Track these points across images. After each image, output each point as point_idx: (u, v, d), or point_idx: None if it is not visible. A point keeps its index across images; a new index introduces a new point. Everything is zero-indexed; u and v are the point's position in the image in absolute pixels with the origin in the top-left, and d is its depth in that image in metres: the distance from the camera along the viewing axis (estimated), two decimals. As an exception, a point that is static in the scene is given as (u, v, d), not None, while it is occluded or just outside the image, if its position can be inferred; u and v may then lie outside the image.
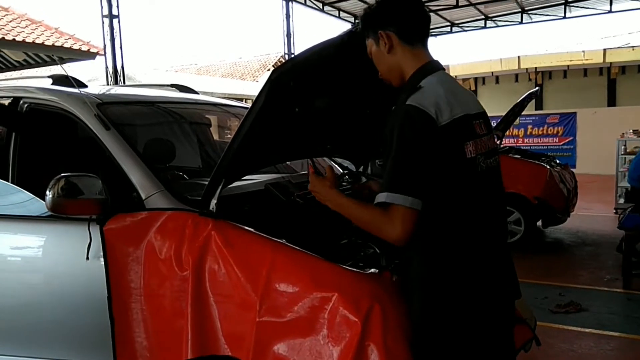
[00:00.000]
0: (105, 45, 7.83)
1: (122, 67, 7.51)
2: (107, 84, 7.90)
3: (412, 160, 1.35)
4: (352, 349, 1.40)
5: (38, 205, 2.00)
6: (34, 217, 2.04)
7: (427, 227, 1.41)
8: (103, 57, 8.43)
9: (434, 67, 1.52)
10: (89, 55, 8.85)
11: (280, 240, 1.70)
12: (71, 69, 10.61)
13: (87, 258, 1.83)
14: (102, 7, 7.53)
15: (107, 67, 7.74)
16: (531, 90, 6.10)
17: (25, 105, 2.38)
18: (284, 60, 18.27)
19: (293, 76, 1.68)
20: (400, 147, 1.35)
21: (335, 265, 1.59)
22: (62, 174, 1.82)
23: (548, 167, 5.52)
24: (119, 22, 7.42)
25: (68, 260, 1.93)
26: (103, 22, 7.56)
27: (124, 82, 7.74)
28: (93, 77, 10.04)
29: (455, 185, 1.42)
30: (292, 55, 12.49)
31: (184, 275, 1.71)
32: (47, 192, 1.79)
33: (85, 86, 2.49)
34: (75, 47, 8.62)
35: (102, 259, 1.81)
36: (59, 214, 1.82)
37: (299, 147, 2.23)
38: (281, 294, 1.56)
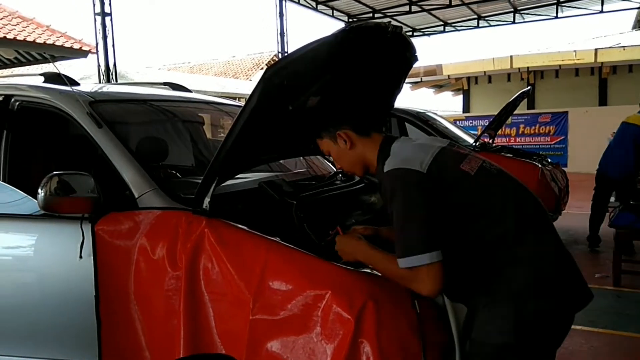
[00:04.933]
0: (97, 44, 7.78)
1: (115, 65, 7.47)
2: (100, 82, 7.86)
3: (415, 216, 1.39)
4: (345, 346, 1.41)
5: (30, 204, 1.99)
6: (26, 216, 2.03)
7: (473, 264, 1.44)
8: (95, 55, 8.39)
9: (392, 138, 1.60)
10: (81, 53, 8.80)
11: (274, 239, 1.71)
12: (63, 67, 10.54)
13: (80, 257, 1.83)
14: (94, 4, 7.48)
15: (99, 65, 7.69)
16: (523, 90, 6.13)
17: (17, 103, 2.36)
18: (277, 59, 18.27)
19: (286, 74, 1.68)
20: (401, 208, 1.41)
21: (329, 263, 1.59)
22: (55, 172, 1.81)
23: (539, 165, 5.56)
24: (111, 20, 7.37)
25: (61, 259, 1.92)
26: (95, 20, 7.51)
27: (116, 81, 7.70)
28: (85, 75, 9.97)
29: (474, 202, 1.45)
30: (286, 54, 12.50)
31: (177, 274, 1.71)
32: (40, 190, 1.78)
33: (78, 84, 2.48)
34: (67, 45, 8.57)
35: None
36: (51, 212, 1.82)
37: (293, 145, 2.24)
38: (275, 291, 1.56)
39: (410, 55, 1.98)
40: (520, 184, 1.56)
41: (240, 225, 1.75)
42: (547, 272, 1.40)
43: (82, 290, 1.83)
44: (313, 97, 1.96)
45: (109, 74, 7.40)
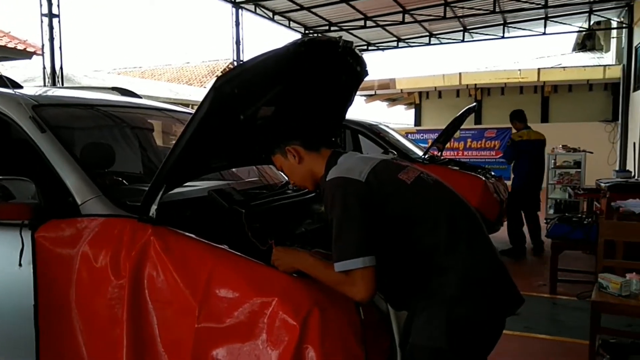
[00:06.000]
0: (43, 45, 7.48)
1: (61, 68, 7.19)
2: (45, 85, 7.55)
3: (351, 222, 1.46)
4: (290, 351, 1.43)
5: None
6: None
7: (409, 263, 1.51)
8: (40, 57, 8.06)
9: (339, 153, 1.68)
10: (25, 54, 8.44)
11: (221, 247, 1.71)
12: (4, 68, 10.05)
13: (20, 265, 1.76)
14: (41, 5, 7.19)
15: (44, 68, 7.38)
16: (469, 106, 6.41)
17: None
18: (232, 67, 18.12)
19: (237, 84, 1.70)
20: (338, 214, 1.47)
21: (276, 270, 1.62)
22: (-7, 177, 1.75)
23: (483, 178, 5.81)
24: (59, 21, 7.09)
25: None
26: (42, 21, 7.22)
27: (62, 84, 7.42)
28: (29, 78, 9.56)
29: (410, 210, 1.52)
30: (242, 61, 12.45)
31: (121, 282, 1.68)
32: (-24, 196, 1.71)
33: (21, 87, 2.40)
34: (11, 45, 8.20)
35: (35, 266, 1.74)
36: (-11, 218, 1.75)
37: (244, 154, 2.25)
38: (221, 299, 1.56)
39: (360, 70, 2.04)
40: (455, 195, 1.64)
41: (187, 233, 1.74)
42: (478, 278, 1.48)
43: (21, 299, 1.76)
44: (265, 108, 1.99)
45: (54, 76, 7.12)
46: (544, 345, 3.51)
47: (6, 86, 2.26)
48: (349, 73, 2.00)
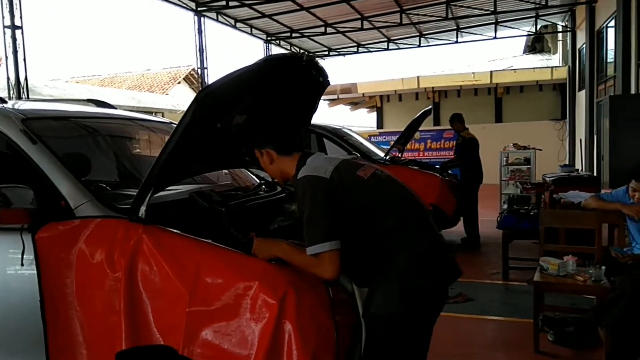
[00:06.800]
0: (7, 57, 7.43)
1: (26, 78, 7.16)
2: (9, 96, 7.49)
3: (319, 212, 1.74)
4: (270, 325, 1.67)
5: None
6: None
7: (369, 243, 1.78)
8: (0, 67, 7.97)
9: (308, 154, 1.95)
10: (-16, 65, 8.32)
11: (206, 240, 1.94)
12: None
13: (22, 264, 1.94)
14: (3, 17, 7.14)
15: (8, 79, 7.33)
16: (425, 109, 6.81)
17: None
18: (194, 74, 18.12)
19: (215, 97, 1.94)
20: (308, 206, 1.75)
21: (255, 258, 1.86)
22: (-5, 186, 1.91)
23: (440, 176, 6.20)
24: (22, 33, 7.07)
25: (3, 267, 2.01)
26: (5, 33, 7.17)
27: (27, 94, 7.39)
28: (-13, 88, 9.39)
29: (367, 201, 1.80)
30: (205, 69, 12.56)
31: (116, 276, 1.88)
32: (-19, 203, 1.88)
33: (5, 102, 2.55)
34: (-32, 56, 8.08)
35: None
36: (-7, 223, 1.92)
37: (220, 158, 2.49)
38: (209, 285, 1.79)
39: (323, 80, 2.32)
40: (403, 187, 1.93)
41: (174, 230, 1.96)
42: (423, 256, 1.78)
43: (24, 294, 1.93)
44: (239, 116, 2.23)
45: (19, 87, 7.09)
46: (496, 326, 3.87)
47: (-8, 102, 2.41)
48: (312, 83, 2.28)
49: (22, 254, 1.94)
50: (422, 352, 1.89)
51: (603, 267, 3.20)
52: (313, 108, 2.56)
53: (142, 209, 1.96)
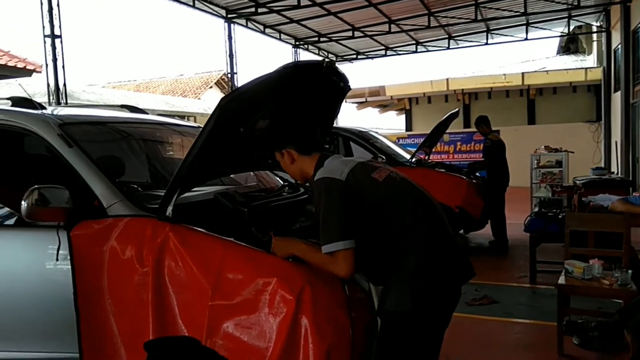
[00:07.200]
0: (47, 65, 7.83)
1: (65, 85, 7.54)
2: (49, 102, 7.87)
3: (334, 213, 1.81)
4: (288, 320, 1.75)
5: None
6: (8, 226, 2.26)
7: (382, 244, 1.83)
8: (39, 74, 8.39)
9: (326, 156, 2.03)
10: (25, 72, 8.75)
11: (229, 239, 2.03)
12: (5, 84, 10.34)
13: (57, 259, 2.08)
14: (43, 27, 7.55)
15: (48, 85, 7.72)
16: (451, 112, 6.78)
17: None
18: (225, 79, 18.46)
19: (237, 103, 2.03)
20: (324, 206, 1.83)
21: (274, 256, 1.94)
22: (35, 186, 2.06)
23: (467, 179, 6.17)
24: (61, 41, 7.45)
25: (41, 261, 2.17)
26: (45, 42, 7.57)
27: (66, 100, 7.76)
28: (29, 95, 9.86)
29: (381, 202, 1.85)
30: (235, 74, 12.81)
31: (145, 271, 2.00)
32: (23, 202, 2.03)
33: (45, 108, 2.72)
34: (11, 64, 8.52)
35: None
36: (33, 220, 2.07)
37: (245, 161, 2.59)
38: (231, 281, 1.88)
39: (344, 85, 2.40)
40: (418, 189, 1.98)
41: (199, 229, 2.06)
42: (434, 257, 1.83)
43: (59, 288, 2.08)
44: (262, 121, 2.33)
45: (58, 93, 7.46)
46: (521, 328, 3.84)
47: (33, 107, 2.58)
48: (332, 88, 2.35)
49: (58, 249, 2.08)
50: (434, 351, 1.93)
51: (630, 271, 3.15)
52: (334, 112, 2.63)
53: (169, 208, 2.08)
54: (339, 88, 2.40)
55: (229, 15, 11.98)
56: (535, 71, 16.04)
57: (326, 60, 2.24)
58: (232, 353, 1.82)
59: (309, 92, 2.26)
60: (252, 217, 2.35)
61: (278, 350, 1.75)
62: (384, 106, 20.92)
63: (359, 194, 1.85)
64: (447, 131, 8.62)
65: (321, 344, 1.75)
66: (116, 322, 2.02)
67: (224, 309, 1.86)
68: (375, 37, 13.97)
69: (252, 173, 3.41)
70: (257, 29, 12.79)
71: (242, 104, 2.04)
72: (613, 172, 8.94)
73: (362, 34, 13.45)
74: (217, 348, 1.84)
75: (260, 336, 1.79)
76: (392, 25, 12.79)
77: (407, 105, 18.87)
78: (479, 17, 12.33)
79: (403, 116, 19.80)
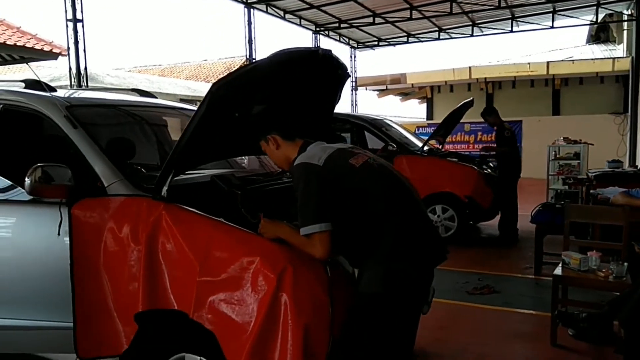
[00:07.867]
0: (69, 48, 8.05)
1: (86, 68, 7.75)
2: (71, 85, 8.11)
3: (311, 197, 1.89)
4: (269, 296, 1.85)
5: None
6: (15, 201, 2.41)
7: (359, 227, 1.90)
8: (65, 57, 8.63)
9: (309, 142, 2.08)
10: (51, 55, 9.00)
11: (219, 219, 2.13)
12: (28, 69, 10.65)
13: (59, 234, 2.22)
14: (66, 11, 7.76)
15: (70, 69, 7.96)
16: (465, 101, 6.72)
17: (1, 107, 2.71)
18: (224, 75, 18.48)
19: (229, 88, 2.10)
20: (301, 191, 1.91)
21: (259, 236, 2.03)
22: (39, 164, 2.19)
23: (477, 169, 6.15)
24: (82, 26, 7.65)
25: (44, 235, 2.32)
26: (67, 26, 7.79)
27: (87, 83, 7.98)
28: (55, 77, 10.15)
29: (357, 187, 1.92)
30: (254, 59, 12.89)
31: (139, 247, 2.12)
32: (26, 179, 2.16)
33: (55, 90, 2.85)
34: (38, 47, 8.77)
35: (73, 234, 2.19)
36: (36, 196, 2.20)
37: (240, 146, 2.67)
38: (217, 259, 1.98)
39: (342, 73, 2.45)
40: (395, 175, 2.03)
41: (191, 209, 2.17)
42: (408, 240, 1.88)
43: (58, 261, 2.22)
44: (257, 106, 2.40)
45: (80, 76, 7.69)
46: (518, 318, 3.86)
47: (44, 90, 2.72)
48: (330, 76, 2.40)
49: (60, 224, 2.21)
50: (405, 337, 2.00)
51: (626, 264, 3.15)
52: (334, 99, 2.68)
53: (164, 189, 2.18)
54: (337, 76, 2.45)
55: (249, 1, 12.03)
56: (561, 60, 15.66)
57: (321, 48, 2.29)
58: (217, 326, 1.93)
59: (302, 79, 2.32)
60: (245, 200, 2.44)
61: (259, 324, 1.84)
62: (405, 94, 20.75)
63: (335, 179, 1.92)
64: (469, 121, 8.53)
65: (299, 320, 1.84)
66: (111, 293, 2.15)
67: (211, 285, 1.97)
68: (396, 24, 13.83)
69: (255, 157, 3.51)
70: (277, 15, 12.81)
71: (233, 90, 2.11)
72: (637, 166, 8.73)
73: (383, 20, 13.33)
74: (203, 321, 1.95)
75: (243, 311, 1.89)
76: (414, 12, 12.64)
77: (428, 93, 18.68)
78: (504, 4, 12.07)
79: (424, 105, 19.61)
